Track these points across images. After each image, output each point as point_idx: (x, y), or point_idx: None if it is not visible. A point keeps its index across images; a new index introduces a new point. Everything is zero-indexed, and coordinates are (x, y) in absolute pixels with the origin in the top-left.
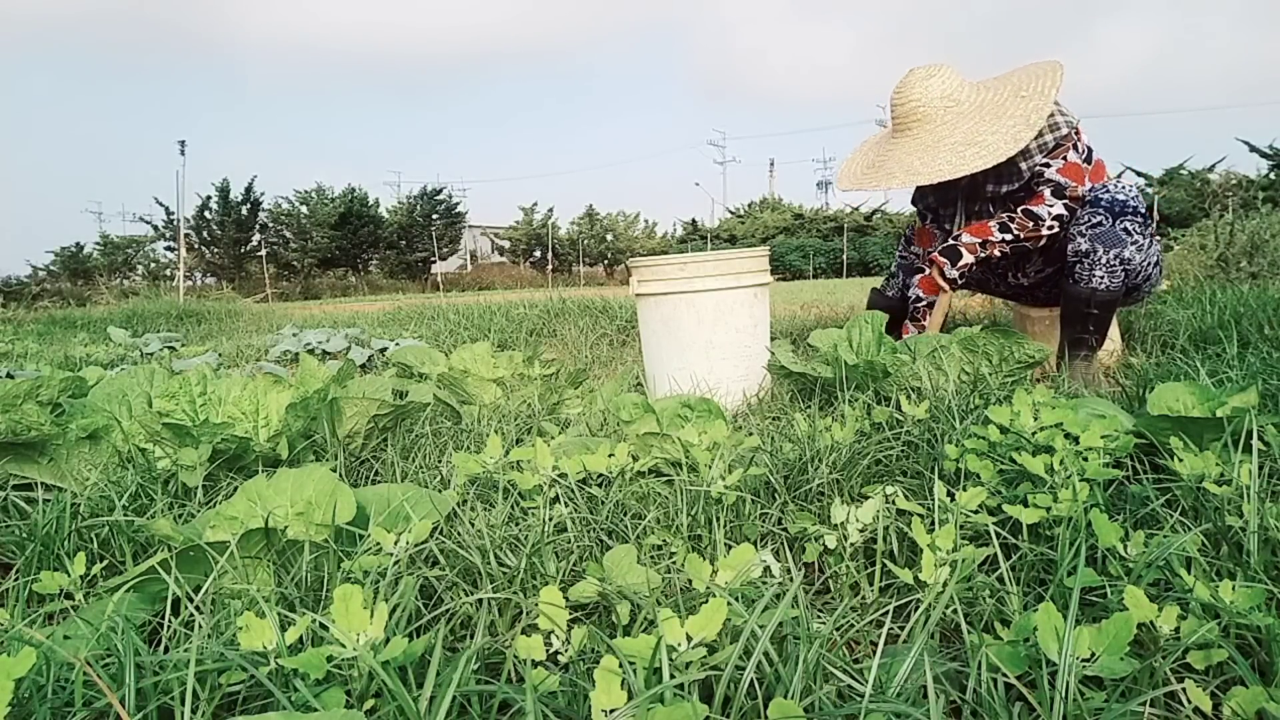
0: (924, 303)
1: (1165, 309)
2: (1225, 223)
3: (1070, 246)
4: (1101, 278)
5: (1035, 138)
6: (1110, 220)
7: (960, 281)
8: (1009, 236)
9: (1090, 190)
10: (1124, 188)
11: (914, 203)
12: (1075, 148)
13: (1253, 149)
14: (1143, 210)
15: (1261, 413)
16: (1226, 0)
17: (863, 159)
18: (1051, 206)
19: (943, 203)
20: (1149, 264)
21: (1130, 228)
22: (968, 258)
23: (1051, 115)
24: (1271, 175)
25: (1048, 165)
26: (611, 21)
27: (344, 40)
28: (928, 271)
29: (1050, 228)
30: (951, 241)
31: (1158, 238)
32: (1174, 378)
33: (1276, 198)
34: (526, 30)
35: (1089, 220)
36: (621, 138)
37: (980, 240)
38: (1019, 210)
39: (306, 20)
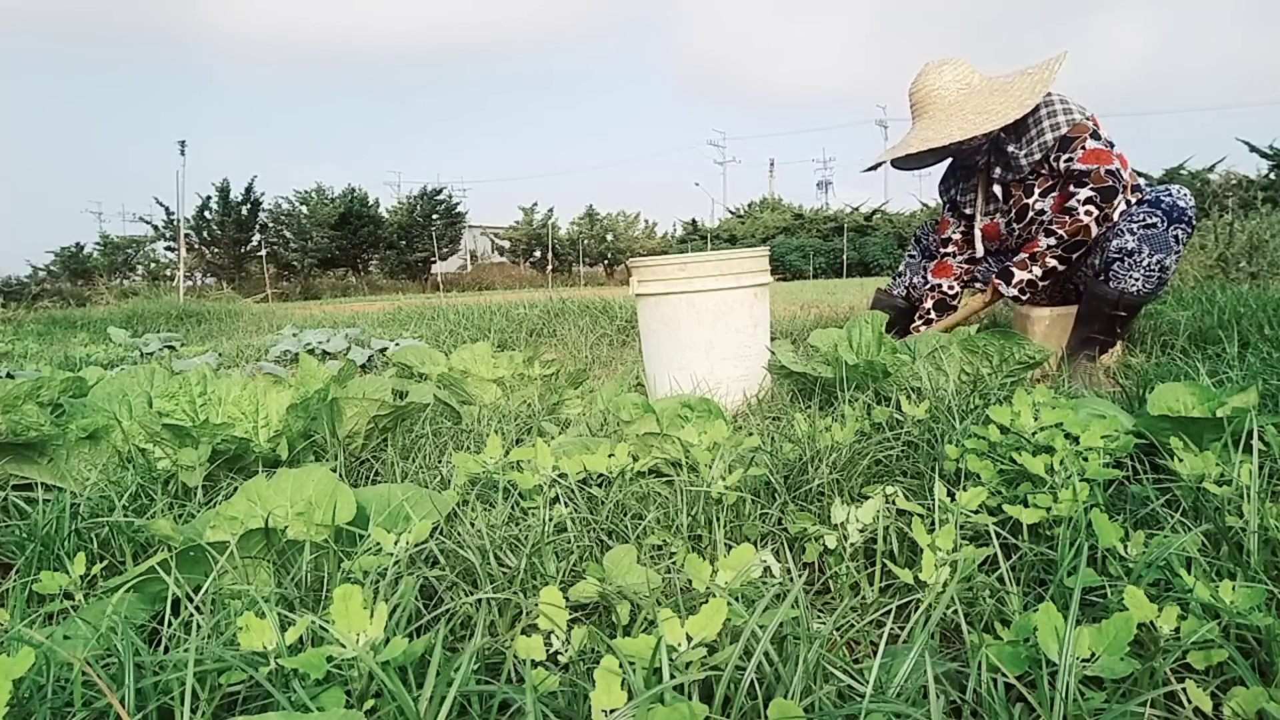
0: (948, 298)
1: (1165, 309)
2: (1225, 223)
3: (1116, 241)
4: (1138, 280)
5: (1048, 118)
6: (1165, 224)
7: (1024, 297)
8: (1053, 241)
9: (1152, 189)
10: (1184, 195)
11: (940, 194)
12: (1095, 135)
13: (1253, 149)
14: (1193, 225)
15: (1261, 413)
16: None
17: (889, 146)
18: (1077, 194)
19: (961, 191)
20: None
21: (1180, 236)
22: (1020, 274)
23: (1064, 101)
24: (1271, 175)
25: (1070, 160)
26: (612, 22)
27: (345, 40)
28: (939, 264)
29: (1088, 212)
30: (1006, 264)
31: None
32: (1174, 378)
33: (1276, 198)
34: (528, 29)
35: (1143, 220)
36: (622, 137)
37: (1029, 254)
38: (1053, 214)
39: (308, 21)
